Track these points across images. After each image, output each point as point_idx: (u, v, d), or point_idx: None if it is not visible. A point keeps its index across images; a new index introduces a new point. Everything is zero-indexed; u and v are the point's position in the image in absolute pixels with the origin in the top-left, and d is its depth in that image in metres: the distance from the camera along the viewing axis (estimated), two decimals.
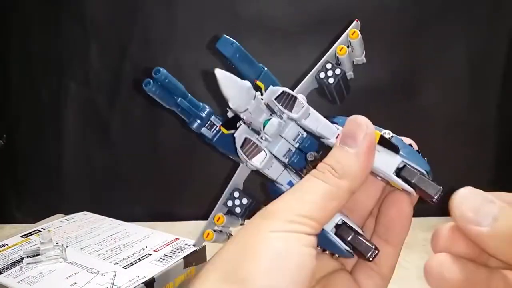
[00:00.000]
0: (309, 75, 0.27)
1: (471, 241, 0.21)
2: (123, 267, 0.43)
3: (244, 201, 0.28)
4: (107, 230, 0.53)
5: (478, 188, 0.22)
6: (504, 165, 0.66)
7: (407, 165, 0.23)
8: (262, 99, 0.25)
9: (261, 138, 0.25)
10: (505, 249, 0.20)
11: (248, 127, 0.25)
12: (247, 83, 0.23)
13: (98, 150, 0.70)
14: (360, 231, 0.24)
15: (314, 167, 0.23)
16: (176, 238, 0.49)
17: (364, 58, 0.27)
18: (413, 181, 0.22)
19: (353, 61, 0.27)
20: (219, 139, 0.26)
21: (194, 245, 0.29)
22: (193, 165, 0.69)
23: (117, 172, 0.70)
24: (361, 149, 0.22)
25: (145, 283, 0.40)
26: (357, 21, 0.26)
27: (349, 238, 0.23)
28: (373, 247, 0.23)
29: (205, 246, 0.48)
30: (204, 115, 0.26)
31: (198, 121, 0.26)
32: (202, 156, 0.69)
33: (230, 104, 0.23)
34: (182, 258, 0.45)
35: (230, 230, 0.29)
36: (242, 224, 0.28)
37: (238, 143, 0.25)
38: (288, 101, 0.24)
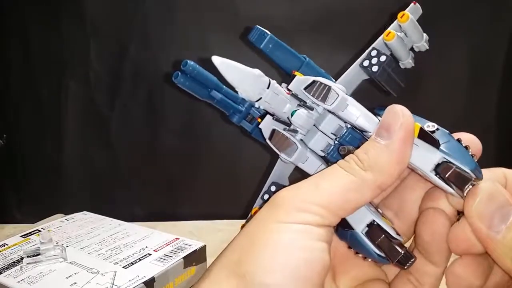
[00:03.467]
0: (354, 64, 0.25)
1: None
2: (123, 267, 0.43)
3: None
4: (107, 230, 0.53)
5: None
6: (504, 165, 0.66)
7: (447, 162, 0.20)
8: (287, 89, 0.24)
9: (293, 130, 0.24)
10: (509, 261, 0.19)
11: (273, 118, 0.24)
12: (256, 71, 0.22)
13: (98, 150, 0.69)
14: (394, 235, 0.22)
15: None
16: (176, 238, 0.49)
17: (427, 44, 0.25)
18: (446, 176, 0.20)
19: (412, 48, 0.25)
20: (258, 131, 0.26)
21: None
22: (193, 165, 0.69)
23: (117, 172, 0.70)
24: (394, 141, 0.20)
25: (145, 283, 0.40)
26: (414, 3, 0.24)
27: (378, 240, 0.21)
28: (402, 252, 0.21)
29: (205, 246, 0.48)
30: (243, 108, 0.26)
31: (238, 113, 0.26)
32: (202, 156, 0.69)
33: (239, 93, 0.22)
34: (182, 258, 0.45)
35: None
36: None
37: (266, 135, 0.24)
38: (321, 91, 0.22)
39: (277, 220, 0.20)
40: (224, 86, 0.25)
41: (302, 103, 0.24)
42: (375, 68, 0.24)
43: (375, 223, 0.22)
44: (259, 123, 0.25)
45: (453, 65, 0.64)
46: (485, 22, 0.62)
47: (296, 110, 0.23)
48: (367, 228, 0.22)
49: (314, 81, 0.23)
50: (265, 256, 0.19)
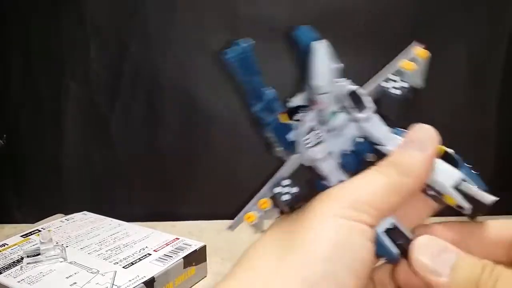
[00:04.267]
0: (375, 83, 0.26)
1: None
2: (123, 267, 0.43)
3: (295, 189, 0.25)
4: (107, 230, 0.53)
5: None
6: (504, 165, 0.66)
7: (465, 181, 0.23)
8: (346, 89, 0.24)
9: (329, 129, 0.25)
10: None
11: (317, 115, 0.25)
12: (341, 65, 0.23)
13: (98, 150, 0.69)
14: (411, 238, 0.23)
15: None
16: (176, 238, 0.49)
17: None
18: (470, 193, 0.23)
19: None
20: (275, 126, 0.25)
21: (230, 227, 0.27)
22: (193, 164, 0.69)
23: (117, 172, 0.70)
24: (428, 152, 0.22)
25: (145, 283, 0.40)
26: (420, 46, 0.26)
27: (401, 241, 0.23)
28: None
29: (205, 246, 0.48)
30: (267, 99, 0.25)
31: (260, 104, 0.25)
32: (202, 156, 0.69)
33: (314, 81, 0.23)
34: (182, 258, 0.45)
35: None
36: (278, 217, 0.27)
37: (302, 131, 0.25)
38: (358, 100, 0.24)
39: (333, 213, 0.21)
40: (259, 76, 0.25)
41: (343, 107, 0.24)
42: (398, 92, 0.26)
43: (395, 227, 0.23)
44: (276, 118, 0.25)
45: (452, 65, 0.64)
46: (485, 22, 0.62)
47: (338, 112, 0.24)
48: (385, 230, 0.23)
49: (354, 90, 0.24)
50: (324, 246, 0.20)
